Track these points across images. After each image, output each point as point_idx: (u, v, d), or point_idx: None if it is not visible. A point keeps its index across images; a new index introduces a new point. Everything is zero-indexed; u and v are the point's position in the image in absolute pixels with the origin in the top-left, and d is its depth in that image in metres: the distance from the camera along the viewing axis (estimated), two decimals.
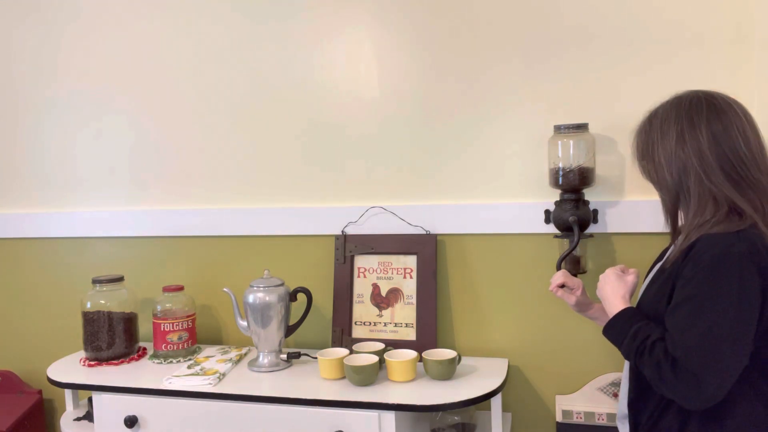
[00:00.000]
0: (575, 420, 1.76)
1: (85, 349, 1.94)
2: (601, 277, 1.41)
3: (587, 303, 1.55)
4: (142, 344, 2.07)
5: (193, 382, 1.69)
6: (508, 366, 1.79)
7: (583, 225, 1.70)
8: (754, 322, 1.16)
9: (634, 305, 1.40)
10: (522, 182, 1.83)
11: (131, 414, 1.70)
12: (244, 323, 1.84)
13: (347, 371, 1.63)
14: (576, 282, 1.55)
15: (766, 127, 1.51)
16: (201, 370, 1.78)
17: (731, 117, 1.25)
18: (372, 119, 1.93)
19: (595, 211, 1.75)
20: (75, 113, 2.19)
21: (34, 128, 2.24)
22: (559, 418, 1.78)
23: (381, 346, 1.76)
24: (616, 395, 1.75)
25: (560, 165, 1.71)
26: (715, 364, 1.14)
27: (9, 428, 2.02)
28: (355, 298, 1.93)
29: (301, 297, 1.88)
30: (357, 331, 1.92)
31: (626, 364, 1.43)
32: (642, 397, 1.32)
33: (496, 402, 1.64)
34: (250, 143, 2.03)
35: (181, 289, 1.97)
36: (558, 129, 1.71)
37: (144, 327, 2.08)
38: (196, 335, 2.01)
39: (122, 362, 1.92)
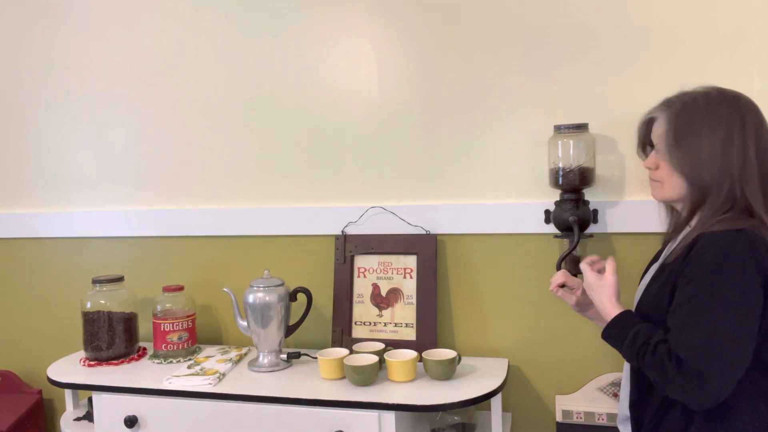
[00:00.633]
0: (575, 420, 1.76)
1: (85, 349, 1.94)
2: (584, 285, 1.42)
3: (587, 303, 1.55)
4: (142, 344, 2.07)
5: (193, 382, 1.69)
6: (508, 366, 1.79)
7: (583, 225, 1.70)
8: (757, 320, 1.17)
9: (634, 301, 1.40)
10: (522, 182, 1.83)
11: (131, 414, 1.70)
12: (244, 323, 1.84)
13: (347, 371, 1.63)
14: (576, 282, 1.55)
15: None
16: (201, 370, 1.78)
17: (767, 125, 1.27)
18: (372, 119, 1.93)
19: (595, 211, 1.75)
20: (75, 113, 2.19)
21: (34, 128, 2.24)
22: (559, 418, 1.78)
23: (381, 346, 1.76)
24: (616, 395, 1.75)
25: (560, 165, 1.71)
26: (719, 362, 1.14)
27: (9, 428, 2.02)
28: (355, 298, 1.93)
29: (301, 297, 1.88)
30: (357, 331, 1.92)
31: (626, 366, 1.42)
32: (644, 399, 1.32)
33: (496, 402, 1.64)
34: (250, 143, 2.03)
35: (181, 289, 1.97)
36: (558, 129, 1.71)
37: (144, 327, 2.08)
38: (196, 335, 2.01)
39: (122, 362, 1.92)
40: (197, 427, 1.66)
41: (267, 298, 1.78)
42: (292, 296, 1.84)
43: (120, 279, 2.00)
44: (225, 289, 1.89)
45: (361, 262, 1.94)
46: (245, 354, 1.94)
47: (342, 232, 1.97)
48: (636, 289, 1.52)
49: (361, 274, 1.94)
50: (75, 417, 1.94)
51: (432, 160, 1.89)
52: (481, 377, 1.68)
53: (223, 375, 1.75)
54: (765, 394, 1.21)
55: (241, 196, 2.06)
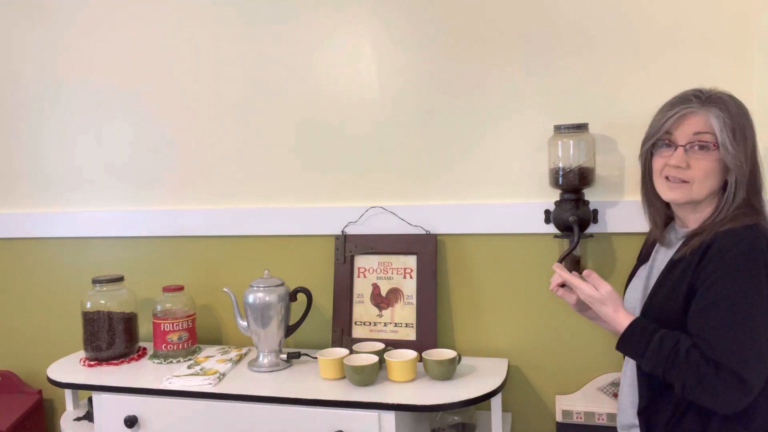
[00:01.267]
0: (575, 420, 1.76)
1: (85, 349, 1.94)
2: (585, 301, 1.39)
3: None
4: (142, 344, 2.07)
5: (193, 382, 1.69)
6: (508, 366, 1.79)
7: (583, 225, 1.70)
8: None
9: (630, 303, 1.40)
10: (522, 182, 1.83)
11: (131, 414, 1.70)
12: (244, 323, 1.84)
13: (347, 371, 1.63)
14: (573, 279, 1.54)
15: (767, 127, 1.52)
16: (201, 370, 1.78)
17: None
18: (372, 119, 1.93)
19: (595, 211, 1.75)
20: (75, 113, 2.19)
21: (34, 128, 2.24)
22: (559, 418, 1.78)
23: (381, 346, 1.76)
24: (616, 395, 1.75)
25: (560, 165, 1.71)
26: (756, 362, 1.15)
27: (9, 428, 2.02)
28: (355, 298, 1.93)
29: (301, 297, 1.88)
30: (357, 331, 1.92)
31: (627, 372, 1.41)
32: (656, 404, 1.30)
33: (496, 402, 1.64)
34: (250, 143, 2.03)
35: (181, 289, 1.97)
36: (558, 129, 1.71)
37: (144, 327, 2.08)
38: (196, 335, 2.01)
39: (122, 362, 1.92)
40: (197, 427, 1.66)
41: (267, 298, 1.78)
42: (292, 296, 1.84)
43: (120, 279, 2.00)
44: (225, 289, 1.89)
45: (361, 262, 1.94)
46: (245, 354, 1.94)
47: (342, 232, 1.97)
48: (624, 291, 1.53)
49: (361, 274, 1.94)
50: (75, 417, 1.94)
51: (432, 160, 1.89)
52: (481, 377, 1.68)
53: (223, 375, 1.75)
54: None
55: (242, 196, 2.06)
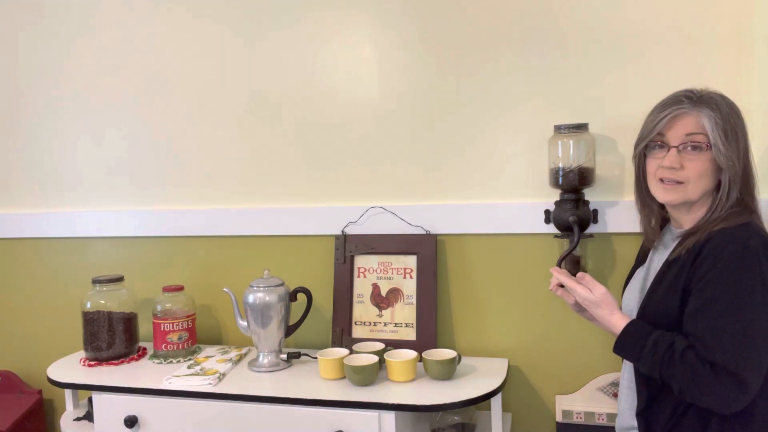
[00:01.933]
0: (575, 420, 1.76)
1: (85, 349, 1.94)
2: (582, 304, 1.40)
3: None
4: (142, 344, 2.07)
5: (193, 382, 1.69)
6: (508, 366, 1.79)
7: (583, 225, 1.70)
8: None
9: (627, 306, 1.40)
10: (522, 182, 1.83)
11: (131, 414, 1.70)
12: (244, 323, 1.84)
13: (347, 371, 1.63)
14: (571, 282, 1.54)
15: (766, 127, 1.52)
16: (201, 370, 1.78)
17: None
18: (372, 119, 1.93)
19: (595, 211, 1.75)
20: (75, 113, 2.19)
21: (34, 128, 2.24)
22: (559, 418, 1.78)
23: (381, 346, 1.76)
24: (616, 395, 1.75)
25: (560, 165, 1.71)
26: (753, 362, 1.14)
27: (9, 428, 2.02)
28: (355, 298, 1.93)
29: (301, 297, 1.88)
30: (357, 331, 1.92)
31: (626, 374, 1.41)
32: (655, 405, 1.30)
33: (496, 402, 1.64)
34: (250, 143, 2.03)
35: (181, 289, 1.97)
36: (558, 129, 1.71)
37: (144, 327, 2.08)
38: (196, 335, 2.01)
39: (122, 362, 1.92)
40: (197, 427, 1.66)
41: (267, 298, 1.78)
42: (292, 296, 1.84)
43: (120, 279, 2.00)
44: (225, 289, 1.89)
45: (361, 262, 1.94)
46: (245, 354, 1.94)
47: (342, 232, 1.97)
48: (622, 293, 1.53)
49: (361, 274, 1.94)
50: (75, 417, 1.94)
51: (432, 160, 1.89)
52: (481, 377, 1.68)
53: (223, 375, 1.75)
54: None
55: (242, 196, 2.06)
